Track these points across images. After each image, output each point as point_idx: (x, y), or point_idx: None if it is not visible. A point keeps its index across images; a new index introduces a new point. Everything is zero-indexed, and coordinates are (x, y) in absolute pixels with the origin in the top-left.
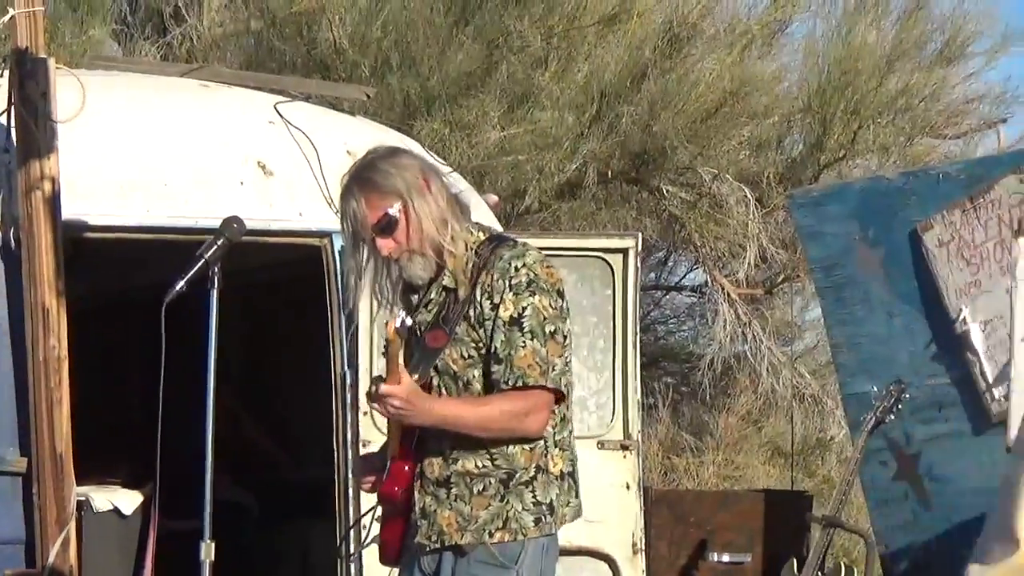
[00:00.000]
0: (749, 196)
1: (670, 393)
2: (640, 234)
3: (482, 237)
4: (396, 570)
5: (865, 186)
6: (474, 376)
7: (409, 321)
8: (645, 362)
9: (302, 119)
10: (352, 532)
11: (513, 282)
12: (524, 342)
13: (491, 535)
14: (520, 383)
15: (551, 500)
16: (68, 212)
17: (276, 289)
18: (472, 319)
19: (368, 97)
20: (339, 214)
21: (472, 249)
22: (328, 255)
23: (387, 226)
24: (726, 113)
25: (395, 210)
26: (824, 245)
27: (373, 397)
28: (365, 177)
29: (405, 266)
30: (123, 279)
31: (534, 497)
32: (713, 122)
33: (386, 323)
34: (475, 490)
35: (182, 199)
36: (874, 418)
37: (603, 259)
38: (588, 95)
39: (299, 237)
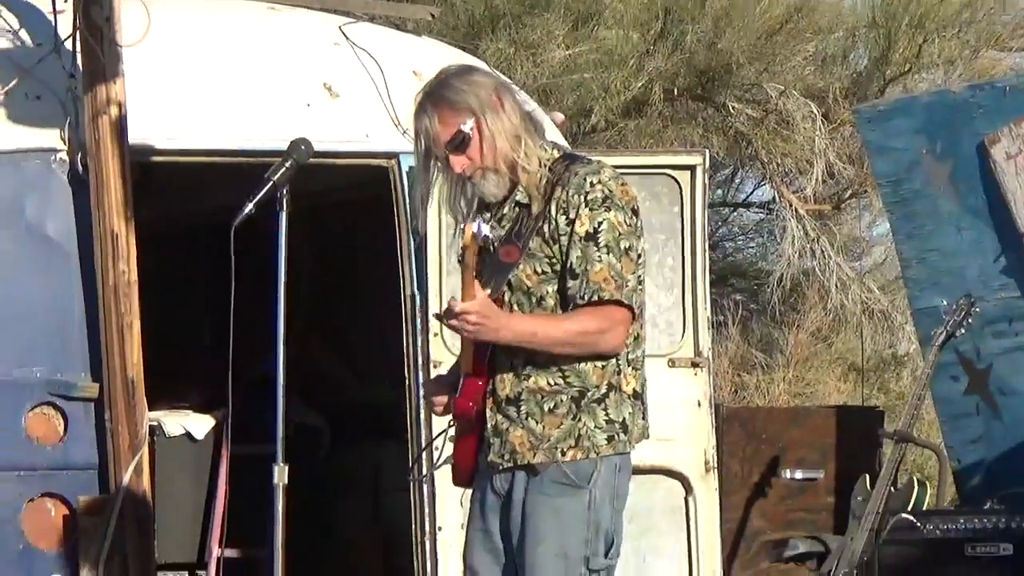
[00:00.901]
0: (815, 111)
1: (739, 310)
2: (707, 151)
3: (556, 155)
4: (469, 491)
5: (931, 100)
6: (547, 292)
7: (486, 228)
8: (714, 279)
9: (367, 40)
10: (424, 454)
11: (588, 197)
12: (600, 256)
13: (563, 453)
14: (595, 297)
15: (624, 418)
16: (135, 137)
17: (344, 211)
18: (546, 234)
19: (433, 17)
20: (412, 132)
21: (546, 166)
22: (396, 176)
23: (460, 143)
24: (791, 29)
25: (468, 127)
26: (891, 160)
27: (448, 315)
28: (438, 94)
29: (478, 183)
30: (191, 203)
31: (607, 415)
32: (778, 38)
33: (462, 228)
34: (546, 408)
35: (249, 122)
36: (944, 332)
37: (671, 176)
38: (652, 12)
39: (366, 158)
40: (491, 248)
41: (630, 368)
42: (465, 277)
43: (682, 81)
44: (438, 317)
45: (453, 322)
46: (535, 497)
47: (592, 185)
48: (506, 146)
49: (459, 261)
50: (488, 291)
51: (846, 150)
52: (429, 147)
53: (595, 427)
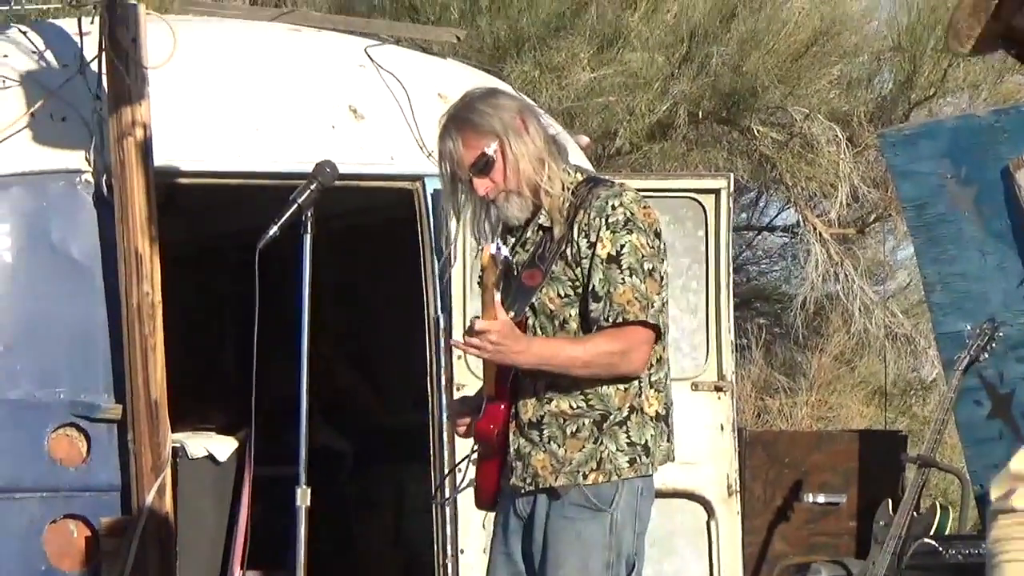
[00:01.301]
0: (840, 135)
1: (763, 334)
2: (732, 174)
3: (579, 178)
4: (491, 514)
5: (956, 124)
6: (570, 315)
7: (505, 250)
8: (738, 303)
9: (393, 62)
10: (448, 477)
11: (610, 220)
12: (623, 279)
13: (585, 477)
14: (620, 319)
15: (646, 441)
16: (160, 158)
17: (369, 233)
18: (569, 258)
19: (458, 39)
20: (437, 155)
21: (569, 189)
22: (420, 198)
23: (484, 166)
24: (816, 52)
25: (492, 150)
26: (916, 184)
27: (469, 332)
28: (462, 117)
29: (502, 206)
30: (215, 225)
31: (628, 438)
32: (803, 61)
33: (481, 249)
34: (568, 431)
35: (274, 144)
36: (968, 357)
37: (695, 200)
38: (677, 35)
39: (391, 181)
40: (514, 270)
41: (652, 390)
42: (485, 298)
43: (707, 104)
44: (455, 343)
45: (474, 341)
46: (557, 521)
47: (613, 208)
48: (529, 169)
49: (478, 283)
50: (511, 314)
51: (870, 174)
52: (454, 170)
53: (616, 450)
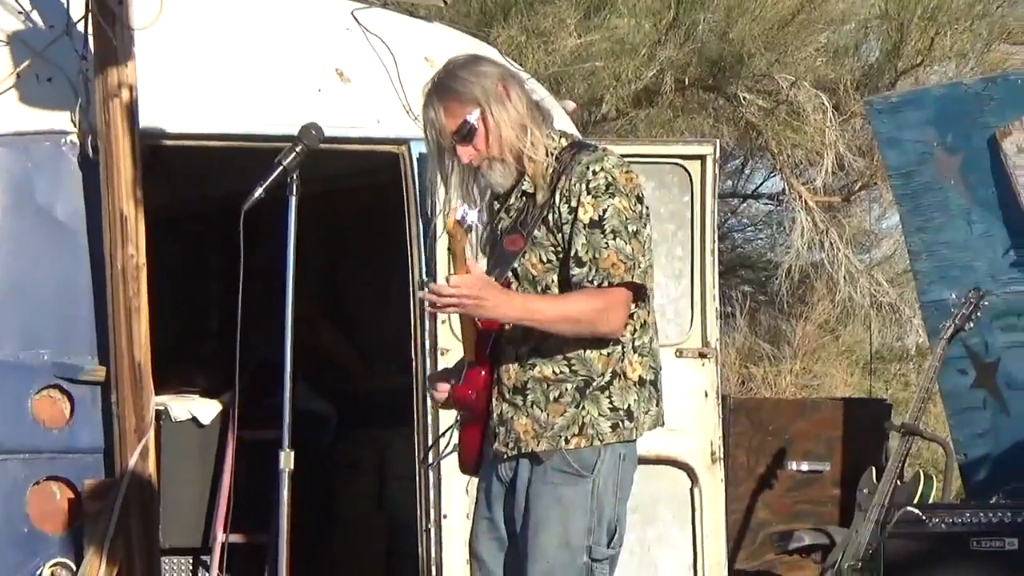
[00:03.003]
0: (826, 103)
1: (747, 301)
2: (718, 141)
3: (564, 143)
4: (474, 480)
5: (943, 92)
6: (552, 281)
7: (472, 215)
8: (722, 270)
9: (379, 26)
10: (432, 447)
11: (591, 185)
12: (607, 243)
13: (567, 441)
14: (605, 283)
15: (628, 406)
16: (146, 120)
17: (354, 197)
18: (551, 223)
19: (445, 4)
20: (422, 123)
21: (552, 155)
22: (406, 162)
23: (466, 134)
24: (803, 19)
25: (474, 117)
26: (902, 152)
27: (438, 292)
28: (444, 85)
29: (485, 173)
30: (201, 187)
31: (611, 403)
32: (790, 29)
33: (446, 215)
34: (551, 396)
35: (260, 106)
36: (952, 326)
37: (681, 166)
38: (664, 1)
39: (377, 144)
40: (497, 235)
41: (636, 355)
42: (455, 265)
43: (693, 71)
44: (426, 297)
45: (448, 300)
46: (539, 486)
47: (595, 173)
48: (512, 136)
49: (447, 250)
50: (492, 278)
51: (856, 142)
52: (438, 138)
53: (599, 415)
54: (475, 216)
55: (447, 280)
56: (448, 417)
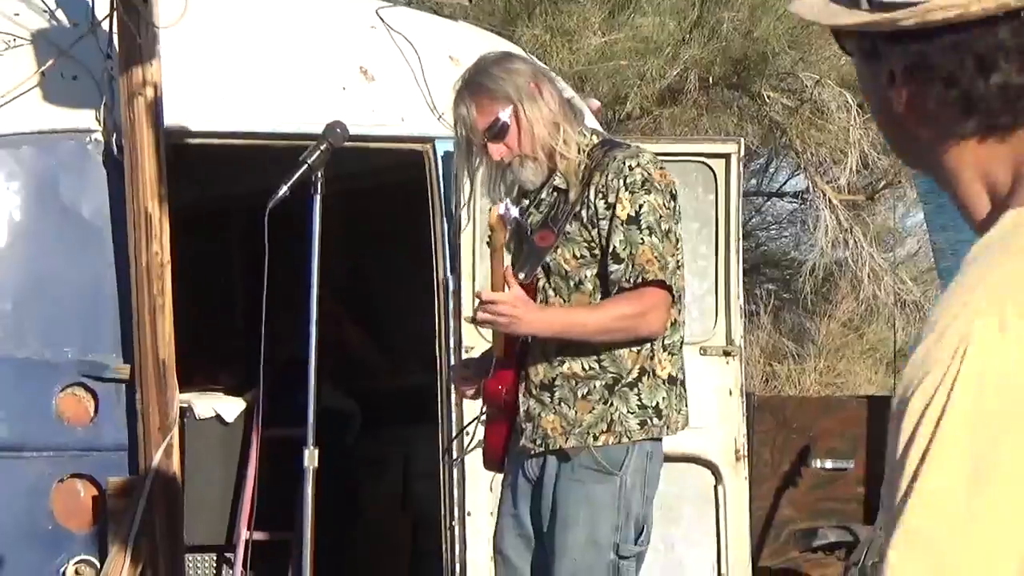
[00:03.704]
0: (851, 101)
1: (771, 300)
2: (742, 139)
3: (595, 140)
4: (499, 476)
5: None
6: (586, 276)
7: (515, 210)
8: (747, 269)
9: (404, 24)
10: (456, 438)
11: (628, 181)
12: (642, 239)
13: (595, 438)
14: (640, 279)
15: (657, 403)
16: (170, 118)
17: (378, 195)
18: (584, 219)
19: (470, 2)
20: (452, 119)
21: (584, 152)
22: (430, 160)
23: (498, 131)
24: None
25: (506, 115)
26: None
27: (479, 304)
28: (476, 82)
29: (516, 171)
30: (225, 185)
31: (639, 400)
32: (814, 27)
33: (489, 209)
34: (579, 393)
35: (284, 104)
36: None
37: (705, 164)
38: (689, 0)
39: (402, 142)
40: (527, 231)
41: (666, 353)
42: (494, 261)
43: (717, 69)
44: (472, 320)
45: (485, 315)
46: (566, 483)
47: (631, 169)
48: (544, 133)
49: (487, 243)
50: (522, 276)
51: (880, 141)
52: (469, 135)
53: (627, 412)
54: (517, 211)
55: (479, 295)
56: (473, 411)
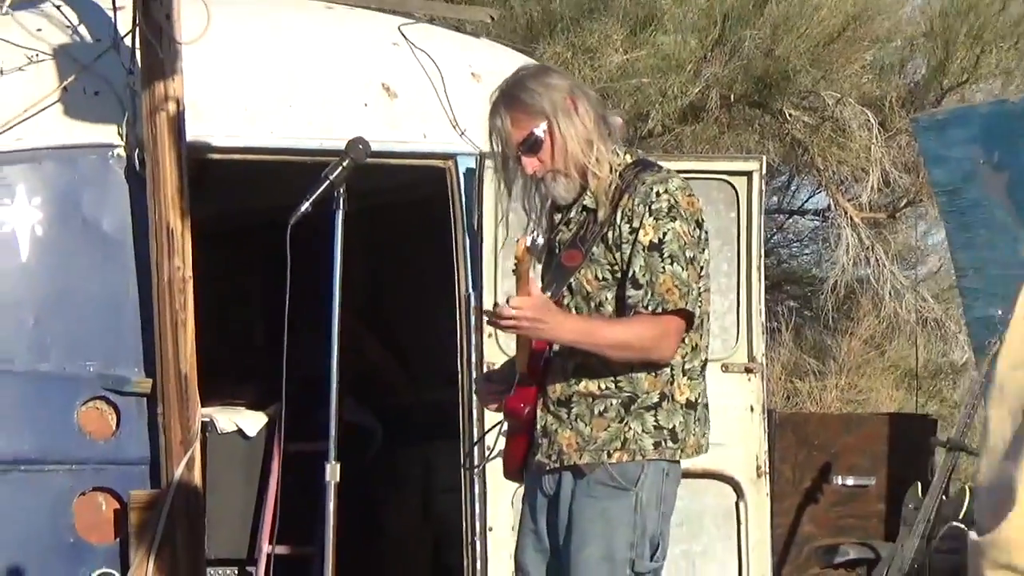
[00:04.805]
0: (872, 120)
1: (793, 317)
2: (764, 157)
3: (628, 160)
4: (520, 492)
5: (989, 110)
6: (607, 298)
7: (541, 241)
8: (768, 286)
9: (426, 41)
10: (477, 448)
11: (653, 207)
12: (664, 267)
13: (610, 455)
14: (660, 309)
15: (674, 427)
16: (192, 133)
17: (400, 211)
18: (609, 241)
19: (492, 19)
20: (487, 130)
21: (616, 172)
22: (452, 176)
23: (532, 145)
24: (849, 37)
25: (541, 130)
26: (948, 169)
27: (500, 314)
28: (512, 95)
29: (549, 185)
30: (247, 200)
31: (656, 422)
32: (836, 46)
33: (517, 241)
34: (596, 411)
35: (306, 120)
36: (999, 342)
37: (727, 182)
38: (711, 18)
39: (424, 159)
40: (555, 251)
41: (686, 378)
42: (519, 290)
43: (739, 87)
44: (487, 314)
45: (508, 322)
46: (581, 499)
47: (658, 195)
48: (577, 150)
49: (513, 271)
50: (548, 294)
51: (902, 159)
52: (503, 147)
53: (642, 431)
54: (542, 240)
55: (507, 301)
56: (494, 422)
